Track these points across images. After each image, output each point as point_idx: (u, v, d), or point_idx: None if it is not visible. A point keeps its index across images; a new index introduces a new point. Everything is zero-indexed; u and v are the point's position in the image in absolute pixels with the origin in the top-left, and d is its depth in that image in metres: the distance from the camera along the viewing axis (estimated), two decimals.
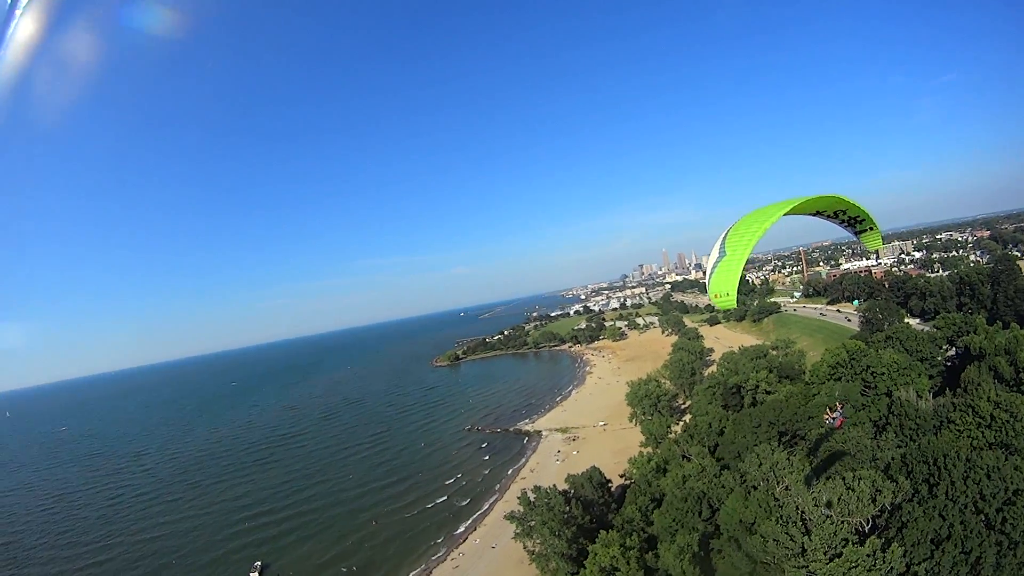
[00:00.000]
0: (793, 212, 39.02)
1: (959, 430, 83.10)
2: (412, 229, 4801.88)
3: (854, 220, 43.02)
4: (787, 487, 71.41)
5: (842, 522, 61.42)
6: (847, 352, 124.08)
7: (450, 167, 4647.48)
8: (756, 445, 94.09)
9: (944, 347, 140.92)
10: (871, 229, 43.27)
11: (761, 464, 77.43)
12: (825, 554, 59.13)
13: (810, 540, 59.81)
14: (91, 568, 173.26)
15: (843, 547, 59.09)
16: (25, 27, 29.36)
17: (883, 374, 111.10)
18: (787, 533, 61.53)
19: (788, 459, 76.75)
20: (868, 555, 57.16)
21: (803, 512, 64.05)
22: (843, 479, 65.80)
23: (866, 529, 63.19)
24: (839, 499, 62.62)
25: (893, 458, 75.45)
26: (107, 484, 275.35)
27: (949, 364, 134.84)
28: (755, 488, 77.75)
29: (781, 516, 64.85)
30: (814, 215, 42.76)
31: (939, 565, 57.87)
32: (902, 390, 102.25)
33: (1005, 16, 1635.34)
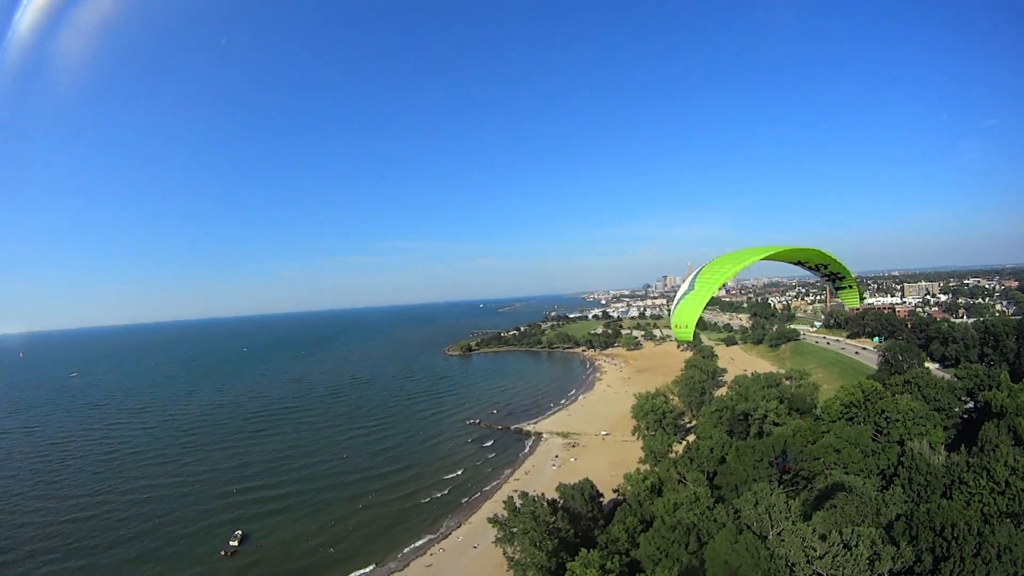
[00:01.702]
0: (773, 259, 39.38)
1: (971, 492, 78.65)
2: (442, 216, 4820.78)
3: (835, 276, 42.91)
4: (780, 534, 67.21)
5: None
6: (862, 392, 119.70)
7: (487, 163, 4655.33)
8: (755, 481, 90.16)
9: (963, 399, 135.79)
10: (850, 287, 43.01)
11: (757, 504, 73.20)
12: None
13: None
14: (76, 523, 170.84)
15: None
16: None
17: (898, 421, 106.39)
18: None
19: (786, 503, 72.33)
20: None
21: (792, 568, 59.82)
22: (840, 534, 61.64)
23: None
24: (834, 558, 58.30)
25: (898, 516, 71.21)
26: (105, 436, 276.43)
27: (965, 417, 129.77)
28: (748, 528, 73.70)
29: (768, 572, 60.65)
30: (796, 264, 42.66)
31: None
32: (915, 441, 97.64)
33: None
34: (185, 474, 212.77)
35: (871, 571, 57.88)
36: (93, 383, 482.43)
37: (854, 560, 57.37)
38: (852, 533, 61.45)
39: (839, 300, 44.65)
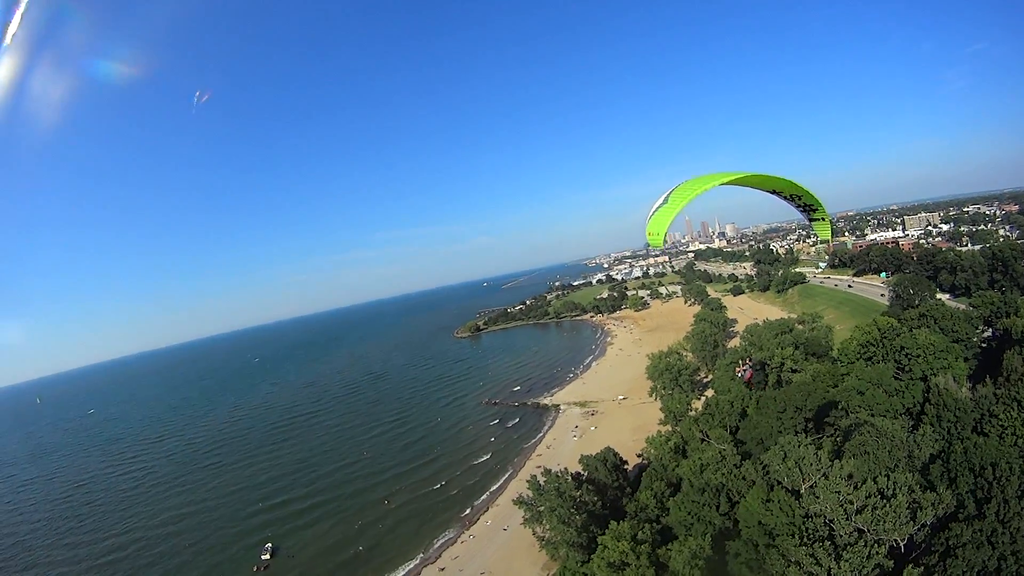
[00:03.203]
0: (745, 185, 41.52)
1: (1003, 426, 76.54)
2: (435, 200, 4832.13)
3: (808, 207, 44.08)
4: (813, 487, 65.06)
5: (876, 542, 54.91)
6: (879, 330, 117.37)
7: (475, 136, 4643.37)
8: (780, 433, 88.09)
9: (980, 328, 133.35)
10: (823, 219, 44.56)
11: (786, 458, 70.95)
12: None
13: (839, 567, 53.23)
14: (108, 564, 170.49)
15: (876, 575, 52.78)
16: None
17: (919, 356, 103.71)
18: (812, 556, 54.79)
19: (816, 454, 69.96)
20: None
21: (831, 524, 57.70)
22: (876, 482, 59.51)
23: (902, 548, 56.69)
24: (872, 510, 56.08)
25: (932, 458, 69.05)
26: (127, 471, 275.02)
27: (984, 346, 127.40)
28: (778, 483, 71.61)
29: (806, 533, 58.49)
30: (772, 193, 43.60)
31: None
32: (940, 376, 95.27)
33: None
34: (211, 496, 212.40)
35: (913, 521, 55.78)
36: (109, 417, 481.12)
37: (894, 511, 55.22)
38: (888, 481, 59.36)
39: (813, 231, 46.18)
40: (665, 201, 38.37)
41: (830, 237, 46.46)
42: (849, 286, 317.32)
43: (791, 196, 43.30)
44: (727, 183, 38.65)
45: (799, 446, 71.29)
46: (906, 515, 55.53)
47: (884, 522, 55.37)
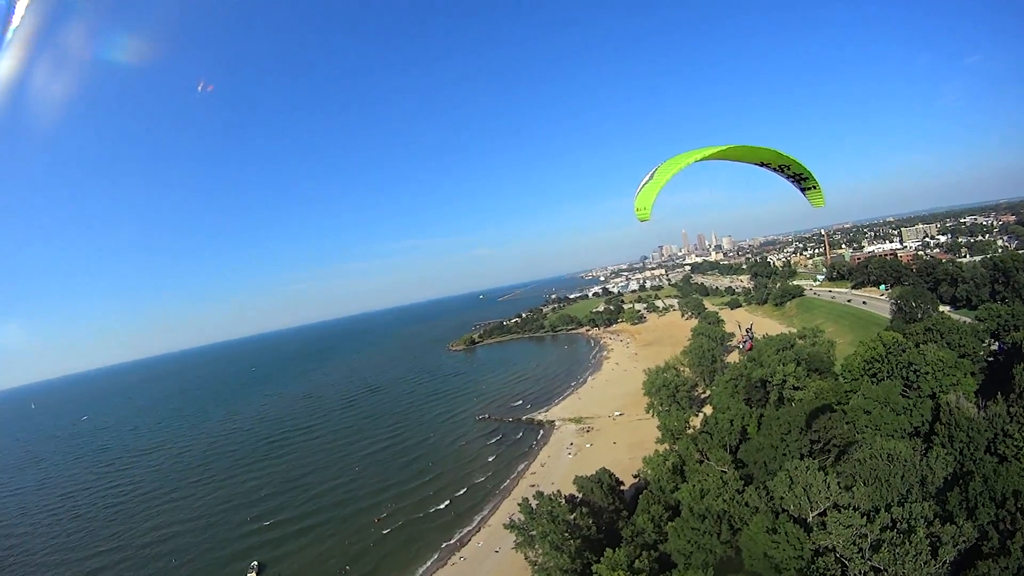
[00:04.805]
0: (731, 158, 41.01)
1: (1018, 446, 72.34)
2: (435, 212, 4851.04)
3: (799, 177, 43.13)
4: (822, 517, 60.59)
5: None
6: (883, 345, 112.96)
7: (475, 149, 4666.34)
8: (785, 456, 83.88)
9: (987, 342, 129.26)
10: (815, 187, 43.38)
11: (792, 484, 66.53)
12: None
13: None
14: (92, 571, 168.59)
15: None
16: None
17: (927, 373, 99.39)
18: None
19: (824, 481, 65.49)
20: None
21: (844, 561, 53.22)
22: (890, 512, 55.14)
23: None
24: (890, 546, 51.57)
25: (946, 481, 64.83)
26: (115, 483, 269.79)
27: (991, 360, 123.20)
28: (784, 511, 67.23)
29: (817, 572, 53.98)
30: (760, 166, 42.64)
31: None
32: (950, 393, 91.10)
33: None
34: (198, 510, 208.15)
35: (935, 559, 51.30)
36: (101, 426, 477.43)
37: (915, 548, 50.71)
38: (904, 511, 55.01)
39: (808, 200, 44.64)
40: (651, 177, 38.64)
41: (823, 203, 44.61)
42: (849, 300, 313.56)
43: (779, 167, 42.58)
44: (712, 156, 38.79)
45: (806, 471, 66.98)
46: (927, 552, 51.04)
47: (904, 562, 50.78)
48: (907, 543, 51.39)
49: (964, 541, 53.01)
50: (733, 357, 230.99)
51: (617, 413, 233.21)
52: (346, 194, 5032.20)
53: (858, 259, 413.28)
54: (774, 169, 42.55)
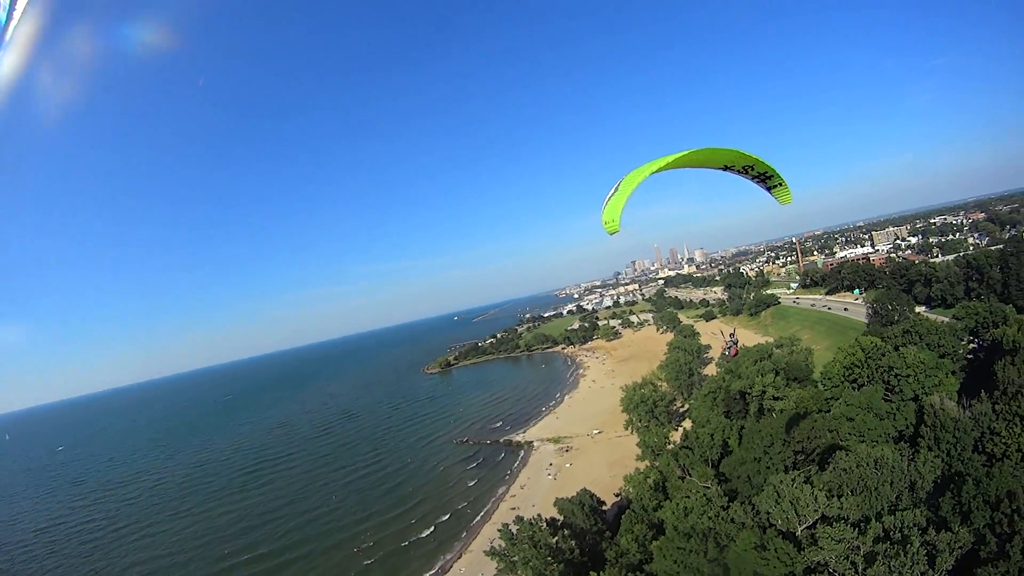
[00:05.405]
0: (693, 165, 38.83)
1: (1006, 443, 70.48)
2: (406, 235, 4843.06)
3: (764, 176, 40.89)
4: (812, 530, 58.01)
5: None
6: (862, 350, 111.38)
7: (443, 171, 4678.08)
8: (769, 470, 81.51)
9: (965, 340, 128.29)
10: (781, 184, 41.21)
11: (779, 499, 64.04)
12: None
13: None
14: None
15: None
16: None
17: (908, 376, 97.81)
18: None
19: (812, 493, 63.02)
20: None
21: None
22: (881, 522, 52.67)
23: None
24: (885, 558, 48.97)
25: (935, 484, 62.64)
26: (89, 517, 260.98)
27: (970, 358, 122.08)
28: (771, 526, 64.70)
29: None
30: (724, 170, 40.62)
31: None
32: (933, 395, 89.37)
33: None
34: (175, 545, 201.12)
35: (932, 568, 48.77)
36: (75, 457, 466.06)
37: (911, 559, 48.16)
38: (895, 520, 52.58)
39: (775, 198, 42.33)
40: (616, 190, 36.43)
41: (791, 200, 42.28)
42: (825, 306, 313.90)
43: (743, 168, 40.49)
44: (675, 163, 36.72)
45: (792, 484, 64.54)
46: (924, 562, 48.52)
47: (901, 573, 48.20)
48: (902, 554, 48.92)
49: (961, 547, 50.62)
50: (711, 370, 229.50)
51: (596, 431, 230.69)
52: (317, 221, 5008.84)
53: (831, 265, 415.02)
54: (739, 172, 40.64)
